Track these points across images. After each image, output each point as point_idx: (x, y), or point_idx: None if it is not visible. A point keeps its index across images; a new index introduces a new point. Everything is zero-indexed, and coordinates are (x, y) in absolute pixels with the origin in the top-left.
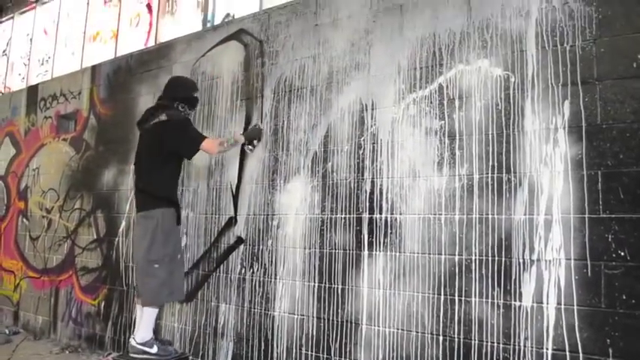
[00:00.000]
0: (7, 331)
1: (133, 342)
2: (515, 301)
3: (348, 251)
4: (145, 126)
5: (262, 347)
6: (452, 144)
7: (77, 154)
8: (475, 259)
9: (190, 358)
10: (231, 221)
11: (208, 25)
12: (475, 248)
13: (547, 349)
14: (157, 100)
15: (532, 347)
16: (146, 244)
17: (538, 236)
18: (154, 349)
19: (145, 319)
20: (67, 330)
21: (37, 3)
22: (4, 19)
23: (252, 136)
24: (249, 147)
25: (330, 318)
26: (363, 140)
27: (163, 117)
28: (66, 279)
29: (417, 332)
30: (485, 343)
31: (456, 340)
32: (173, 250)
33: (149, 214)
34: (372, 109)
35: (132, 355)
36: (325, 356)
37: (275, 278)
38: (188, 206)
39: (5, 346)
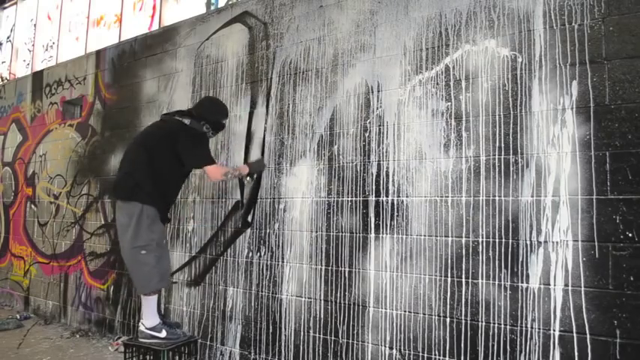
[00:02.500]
0: (18, 316)
1: (141, 327)
2: (522, 282)
3: (354, 234)
4: (166, 117)
5: (270, 330)
6: (458, 126)
7: (83, 139)
8: (482, 241)
9: (199, 341)
10: (238, 205)
11: (212, 7)
12: (482, 230)
13: (554, 330)
14: (188, 108)
15: (539, 329)
16: (131, 231)
17: (545, 218)
18: (163, 334)
19: (146, 307)
20: (77, 314)
21: None
22: (7, 4)
23: (257, 169)
24: (249, 179)
25: (338, 300)
26: (369, 123)
27: (187, 121)
28: (75, 264)
29: (424, 314)
30: (492, 325)
31: (463, 322)
32: (159, 236)
33: (130, 204)
34: (378, 91)
35: (141, 339)
36: (333, 338)
37: (282, 261)
38: (195, 190)
39: (17, 330)
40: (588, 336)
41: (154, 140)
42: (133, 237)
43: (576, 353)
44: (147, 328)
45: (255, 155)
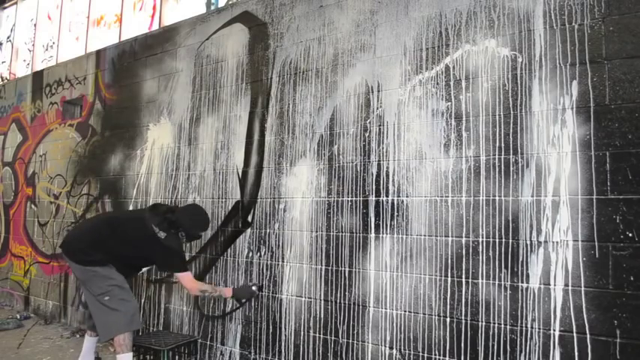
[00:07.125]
0: (18, 316)
1: None
2: (522, 282)
3: (354, 234)
4: (144, 217)
5: (270, 330)
6: (458, 125)
7: (83, 139)
8: (482, 241)
9: (199, 341)
10: (238, 205)
11: (212, 7)
12: (482, 230)
13: (554, 330)
14: (169, 209)
15: (539, 329)
16: (89, 284)
17: (545, 218)
18: None
19: None
20: (77, 314)
21: None
22: (7, 4)
23: (241, 295)
24: (237, 303)
25: (338, 300)
26: (369, 122)
27: (161, 235)
28: None
29: (424, 314)
30: (492, 325)
31: (463, 321)
32: (120, 279)
33: (82, 267)
34: (378, 91)
35: None
36: (333, 338)
37: (282, 261)
38: (195, 190)
39: (17, 330)
40: (588, 336)
41: (124, 236)
42: (93, 288)
43: (576, 353)
44: None
45: (254, 156)
